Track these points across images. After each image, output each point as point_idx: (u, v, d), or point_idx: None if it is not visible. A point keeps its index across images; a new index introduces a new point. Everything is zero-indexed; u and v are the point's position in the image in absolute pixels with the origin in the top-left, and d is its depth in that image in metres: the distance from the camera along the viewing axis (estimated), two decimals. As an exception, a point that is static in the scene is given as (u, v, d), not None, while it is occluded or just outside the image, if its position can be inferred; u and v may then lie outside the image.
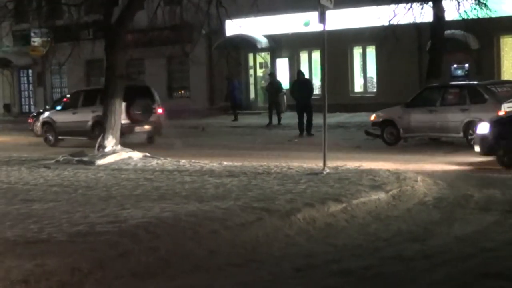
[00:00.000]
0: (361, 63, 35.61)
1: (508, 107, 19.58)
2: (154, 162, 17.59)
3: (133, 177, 15.11)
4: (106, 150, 18.69)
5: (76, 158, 18.29)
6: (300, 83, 27.52)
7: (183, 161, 17.51)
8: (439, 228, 10.38)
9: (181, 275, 8.34)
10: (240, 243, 9.53)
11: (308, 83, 28.49)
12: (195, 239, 9.42)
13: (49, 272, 7.81)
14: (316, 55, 35.28)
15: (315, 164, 15.55)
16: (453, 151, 19.70)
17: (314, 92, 29.28)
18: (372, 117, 22.96)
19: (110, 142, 18.80)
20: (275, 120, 31.46)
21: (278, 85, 32.66)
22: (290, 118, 32.10)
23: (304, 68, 36.88)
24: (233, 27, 29.23)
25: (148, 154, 18.85)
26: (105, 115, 19.14)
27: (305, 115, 26.64)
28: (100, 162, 17.71)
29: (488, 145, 16.11)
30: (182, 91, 41.01)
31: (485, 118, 19.47)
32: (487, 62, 31.36)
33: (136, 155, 18.57)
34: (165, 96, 38.68)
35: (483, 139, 16.32)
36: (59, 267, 7.94)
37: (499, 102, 19.74)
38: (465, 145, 20.05)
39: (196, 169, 15.86)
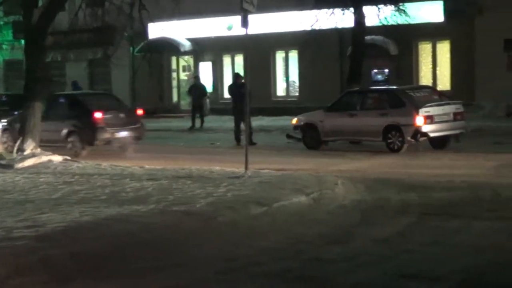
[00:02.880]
0: (284, 67, 35.84)
1: (426, 112, 19.96)
2: (74, 165, 17.36)
3: (52, 180, 14.86)
4: (25, 153, 18.33)
5: (-7, 162, 17.92)
6: (237, 86, 25.53)
7: (104, 164, 17.32)
8: (358, 230, 10.49)
9: (101, 279, 8.23)
10: (161, 247, 9.46)
11: (246, 87, 27.12)
12: (115, 243, 9.31)
13: (-36, 278, 7.61)
14: (239, 59, 35.36)
15: (237, 167, 15.56)
16: (373, 155, 19.97)
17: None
18: (294, 121, 23.09)
19: (29, 145, 18.46)
20: (198, 123, 31.34)
21: (202, 88, 32.55)
22: (213, 121, 32.08)
23: (227, 72, 36.97)
24: (156, 30, 29.11)
25: (68, 158, 18.59)
26: (25, 118, 18.79)
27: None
28: (19, 165, 17.37)
29: None
30: (104, 94, 40.51)
31: (404, 122, 19.90)
32: (406, 67, 31.93)
33: (56, 158, 18.28)
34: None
35: None
36: (-25, 273, 7.75)
37: (418, 106, 20.08)
38: (384, 149, 20.36)
39: (117, 173, 15.69)
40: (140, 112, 23.60)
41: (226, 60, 37.05)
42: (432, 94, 21.72)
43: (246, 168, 14.75)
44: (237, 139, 24.10)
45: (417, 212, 11.55)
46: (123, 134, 22.18)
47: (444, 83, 31.69)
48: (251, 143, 23.14)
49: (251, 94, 25.30)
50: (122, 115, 22.56)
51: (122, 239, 9.44)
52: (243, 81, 25.71)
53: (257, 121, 29.82)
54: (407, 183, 14.30)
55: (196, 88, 32.19)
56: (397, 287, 7.77)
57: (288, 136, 23.53)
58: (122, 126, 22.22)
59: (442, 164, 17.50)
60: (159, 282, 8.15)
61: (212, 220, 10.56)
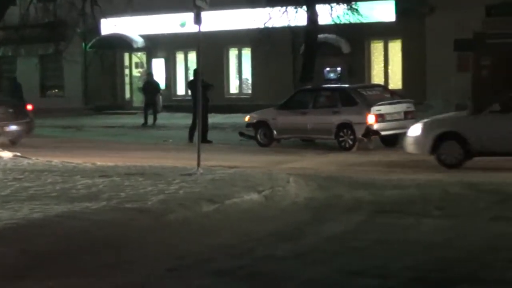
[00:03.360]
0: (237, 64, 35.84)
1: (377, 110, 20.15)
2: (25, 162, 17.15)
3: (2, 177, 14.64)
4: (-26, 149, 18.13)
5: None
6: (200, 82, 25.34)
7: (55, 161, 17.15)
8: (310, 228, 10.55)
9: (52, 277, 8.16)
10: (112, 244, 9.41)
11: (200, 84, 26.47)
12: (66, 240, 9.24)
13: None
14: (192, 56, 35.25)
15: (189, 164, 15.54)
16: (325, 152, 20.10)
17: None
18: (246, 118, 23.13)
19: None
20: (150, 120, 31.18)
21: (155, 85, 32.36)
22: (165, 118, 31.97)
23: (180, 69, 36.87)
24: (109, 26, 28.88)
25: (18, 154, 18.36)
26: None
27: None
28: (-33, 162, 17.14)
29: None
30: (56, 90, 40.17)
31: (356, 120, 20.06)
32: (358, 66, 32.16)
33: (6, 154, 18.05)
34: (38, 95, 37.86)
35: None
36: None
37: (369, 105, 20.25)
38: (336, 147, 20.50)
39: (68, 169, 15.55)
40: (29, 107, 24.42)
41: (179, 57, 36.93)
42: (384, 93, 21.94)
43: (198, 165, 14.72)
44: (192, 137, 23.90)
45: (367, 210, 11.66)
46: (13, 128, 23.07)
47: (395, 82, 32.00)
48: (206, 140, 23.21)
49: (211, 90, 25.39)
50: (11, 110, 23.43)
51: (73, 236, 9.36)
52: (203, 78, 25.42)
53: (210, 118, 29.74)
54: (358, 181, 14.41)
55: (149, 85, 32.01)
56: (348, 284, 7.83)
57: (241, 134, 23.55)
58: (12, 120, 23.09)
59: (393, 162, 17.66)
60: (110, 279, 8.10)
61: (164, 217, 10.53)
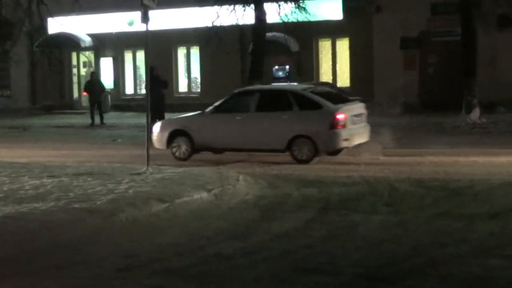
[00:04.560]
0: (186, 63, 35.77)
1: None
2: (-30, 163, 16.89)
3: None
4: None
5: None
6: (153, 79, 23.07)
7: (1, 161, 16.91)
8: (259, 226, 10.57)
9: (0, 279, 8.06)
10: (61, 245, 9.33)
11: (163, 82, 25.47)
12: (14, 241, 9.14)
13: None
14: (141, 55, 35.09)
15: (138, 164, 15.46)
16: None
17: (140, 92, 28.79)
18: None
19: None
20: (97, 120, 30.89)
21: (99, 84, 31.96)
22: (114, 118, 31.75)
23: (129, 68, 36.67)
24: (56, 25, 28.60)
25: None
26: None
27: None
28: None
29: None
30: (2, 90, 39.65)
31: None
32: (307, 64, 32.34)
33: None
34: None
35: None
36: None
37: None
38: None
39: (15, 170, 15.34)
40: None
41: (128, 56, 36.73)
42: (332, 90, 21.86)
43: (148, 164, 14.67)
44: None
45: (316, 207, 11.71)
46: None
47: (343, 80, 32.25)
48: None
49: (166, 87, 25.21)
50: None
51: (21, 237, 9.26)
52: (161, 78, 24.95)
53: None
54: (308, 179, 14.47)
55: (93, 85, 31.61)
56: (298, 282, 7.87)
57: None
58: None
59: (342, 160, 17.74)
60: (59, 280, 8.03)
61: (113, 217, 10.47)
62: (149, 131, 16.61)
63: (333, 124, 16.82)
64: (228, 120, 18.05)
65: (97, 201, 11.24)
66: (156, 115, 22.77)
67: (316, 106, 17.22)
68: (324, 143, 16.98)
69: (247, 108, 17.99)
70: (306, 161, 17.08)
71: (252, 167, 16.57)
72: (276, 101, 17.81)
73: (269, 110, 17.73)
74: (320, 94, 17.88)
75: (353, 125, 17.41)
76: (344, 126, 17.01)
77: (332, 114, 16.89)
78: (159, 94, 24.33)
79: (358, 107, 18.15)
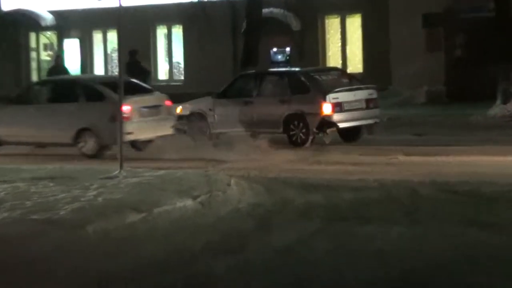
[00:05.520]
0: (166, 45, 35.79)
1: (334, 98, 20.25)
2: None
3: None
4: None
5: None
6: (133, 64, 24.88)
7: None
8: (254, 238, 10.58)
9: None
10: (18, 261, 9.31)
11: (144, 69, 26.24)
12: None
13: None
14: (113, 35, 35.10)
15: (109, 165, 15.45)
16: (273, 149, 20.12)
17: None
18: (178, 109, 23.07)
19: None
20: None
21: (65, 70, 31.88)
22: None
23: (98, 51, 36.66)
24: (11, 0, 28.58)
25: None
26: None
27: None
28: None
29: None
30: None
31: (309, 110, 20.15)
32: (311, 46, 32.33)
33: None
34: None
35: None
36: None
37: (325, 92, 20.34)
38: (285, 142, 20.57)
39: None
40: None
41: (97, 37, 36.74)
42: (341, 78, 22.09)
43: (121, 166, 14.66)
44: None
45: (322, 217, 11.72)
46: None
47: (355, 65, 32.30)
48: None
49: (148, 77, 25.22)
50: None
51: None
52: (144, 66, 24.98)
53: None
54: (312, 183, 14.49)
55: (57, 71, 31.52)
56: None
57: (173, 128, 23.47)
58: None
59: (353, 159, 17.79)
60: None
61: (80, 229, 10.45)
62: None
63: (114, 117, 17.66)
64: (23, 113, 20.42)
65: (60, 210, 11.22)
66: None
67: (101, 97, 19.59)
68: (106, 136, 18.99)
69: (42, 99, 20.80)
70: (92, 156, 19.32)
71: (247, 169, 16.58)
72: (67, 92, 20.36)
73: (59, 101, 20.23)
74: (108, 84, 19.88)
75: (142, 117, 19.77)
76: (128, 118, 18.86)
77: (113, 106, 17.76)
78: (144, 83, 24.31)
79: (154, 99, 20.59)
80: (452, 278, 8.59)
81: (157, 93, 20.95)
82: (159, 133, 20.17)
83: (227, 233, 10.94)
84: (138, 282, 8.65)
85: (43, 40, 38.07)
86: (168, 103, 20.69)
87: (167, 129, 20.30)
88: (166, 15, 33.54)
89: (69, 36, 36.95)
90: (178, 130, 23.18)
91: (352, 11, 32.02)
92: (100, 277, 8.86)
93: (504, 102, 25.94)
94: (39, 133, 19.82)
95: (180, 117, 22.88)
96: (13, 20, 35.14)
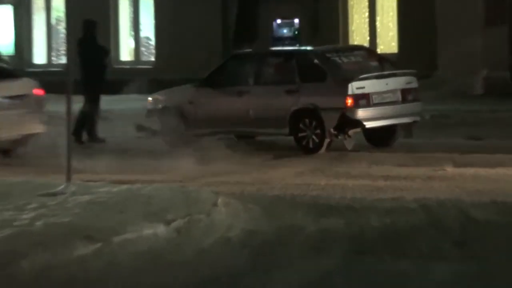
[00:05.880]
0: (131, 16, 35.81)
1: (359, 88, 20.18)
2: None
3: None
4: None
5: None
6: (91, 42, 24.57)
7: None
8: (250, 280, 10.57)
9: None
10: None
11: (102, 47, 25.72)
12: None
13: None
14: (59, 2, 35.15)
15: (53, 177, 15.44)
16: (276, 157, 20.13)
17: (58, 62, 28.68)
18: (148, 102, 23.07)
19: None
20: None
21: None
22: None
23: (39, 22, 36.68)
24: None
25: None
26: None
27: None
28: None
29: None
30: None
31: (325, 104, 20.07)
32: (328, 16, 32.34)
33: None
34: None
35: None
36: None
37: (346, 79, 20.26)
38: (293, 147, 20.55)
39: None
40: None
41: (37, 3, 36.78)
42: (369, 60, 22.03)
43: (68, 179, 14.64)
44: (79, 133, 23.67)
45: (343, 249, 11.73)
46: None
47: (387, 43, 32.35)
48: (96, 138, 23.26)
49: (107, 55, 25.19)
50: None
51: None
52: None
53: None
54: (329, 203, 14.53)
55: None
56: None
57: (139, 128, 23.45)
58: None
59: (385, 171, 17.79)
60: None
61: (12, 265, 10.42)
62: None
63: None
64: None
65: (-16, 239, 11.23)
66: (95, 99, 23.83)
67: None
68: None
69: None
70: None
71: (240, 184, 16.56)
72: None
73: None
74: None
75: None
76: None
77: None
78: (100, 67, 24.69)
79: (17, 86, 21.25)
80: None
81: (24, 79, 21.49)
82: (24, 131, 20.55)
83: (213, 271, 10.93)
84: None
85: None
86: (37, 92, 21.13)
87: (35, 126, 20.70)
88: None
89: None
90: (146, 130, 23.21)
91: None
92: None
93: None
94: None
95: (149, 113, 22.86)
96: None
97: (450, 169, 17.60)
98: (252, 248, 11.99)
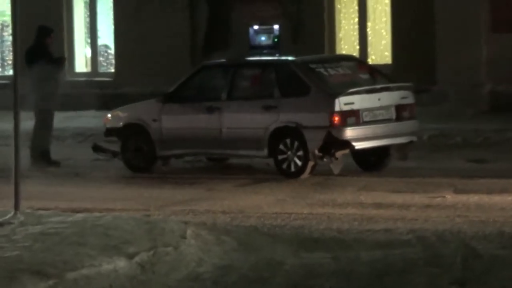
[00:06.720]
0: (88, 20, 35.82)
1: (347, 104, 20.21)
2: None
3: None
4: None
5: None
6: (43, 50, 24.32)
7: None
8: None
9: None
10: None
11: (54, 57, 25.32)
12: None
13: None
14: (4, 3, 35.17)
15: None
16: (254, 182, 20.18)
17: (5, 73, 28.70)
18: (107, 119, 23.07)
19: None
20: None
21: None
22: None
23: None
24: None
25: None
26: None
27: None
28: None
29: None
30: None
31: (308, 122, 20.12)
32: (312, 21, 32.40)
33: None
34: None
35: None
36: None
37: (333, 93, 20.27)
38: (272, 170, 20.61)
39: None
40: None
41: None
42: (358, 72, 22.08)
43: (17, 207, 14.66)
44: (39, 152, 23.61)
45: None
46: None
47: (380, 52, 32.41)
48: (50, 160, 23.28)
49: (62, 65, 25.18)
50: None
51: None
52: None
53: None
54: (313, 235, 14.57)
55: None
56: None
57: (96, 148, 23.46)
58: None
59: (377, 199, 17.85)
60: None
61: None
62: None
63: None
64: None
65: None
66: (47, 116, 23.74)
67: None
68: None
69: None
70: None
71: (212, 213, 16.61)
72: None
73: None
74: None
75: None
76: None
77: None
78: (54, 79, 24.58)
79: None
80: None
81: None
82: None
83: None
84: None
85: None
86: None
87: None
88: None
89: None
90: (104, 151, 23.23)
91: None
92: None
93: None
94: None
95: (109, 131, 22.86)
96: None
97: (450, 196, 17.68)
98: (225, 285, 12.05)
